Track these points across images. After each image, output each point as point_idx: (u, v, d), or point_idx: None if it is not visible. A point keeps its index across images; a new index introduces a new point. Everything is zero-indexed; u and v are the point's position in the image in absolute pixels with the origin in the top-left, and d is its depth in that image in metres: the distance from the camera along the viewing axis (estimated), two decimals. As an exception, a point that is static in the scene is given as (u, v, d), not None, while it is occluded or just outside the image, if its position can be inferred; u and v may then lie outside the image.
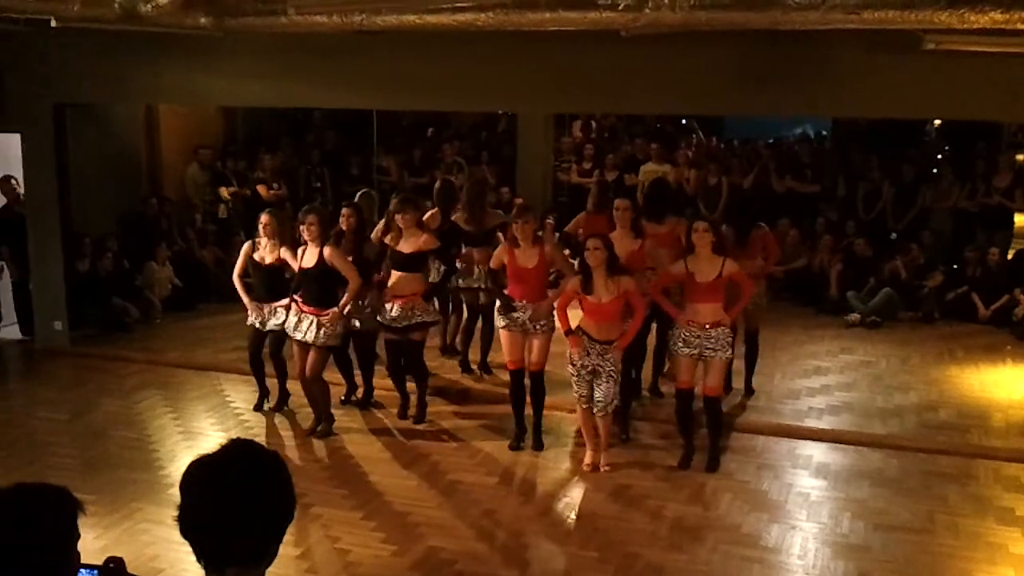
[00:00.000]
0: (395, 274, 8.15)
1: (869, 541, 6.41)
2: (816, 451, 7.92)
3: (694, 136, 16.46)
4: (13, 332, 11.23)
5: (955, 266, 12.45)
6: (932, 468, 7.59)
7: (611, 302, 7.08)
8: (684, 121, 16.84)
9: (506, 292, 7.73)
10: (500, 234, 8.87)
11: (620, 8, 6.50)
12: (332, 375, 8.45)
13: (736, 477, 7.41)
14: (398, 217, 8.12)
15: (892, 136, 14.42)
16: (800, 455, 7.84)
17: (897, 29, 6.59)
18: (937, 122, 15.49)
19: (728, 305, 7.30)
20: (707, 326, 7.19)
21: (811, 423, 8.49)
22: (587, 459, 7.51)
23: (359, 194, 9.60)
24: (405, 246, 8.12)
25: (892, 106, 8.41)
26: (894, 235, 13.19)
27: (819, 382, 9.56)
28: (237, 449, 2.24)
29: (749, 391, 9.02)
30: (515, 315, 7.64)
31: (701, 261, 7.22)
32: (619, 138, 16.31)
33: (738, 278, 7.29)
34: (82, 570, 2.49)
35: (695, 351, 7.26)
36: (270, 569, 2.23)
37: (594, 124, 16.47)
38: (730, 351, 7.41)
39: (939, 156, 15.18)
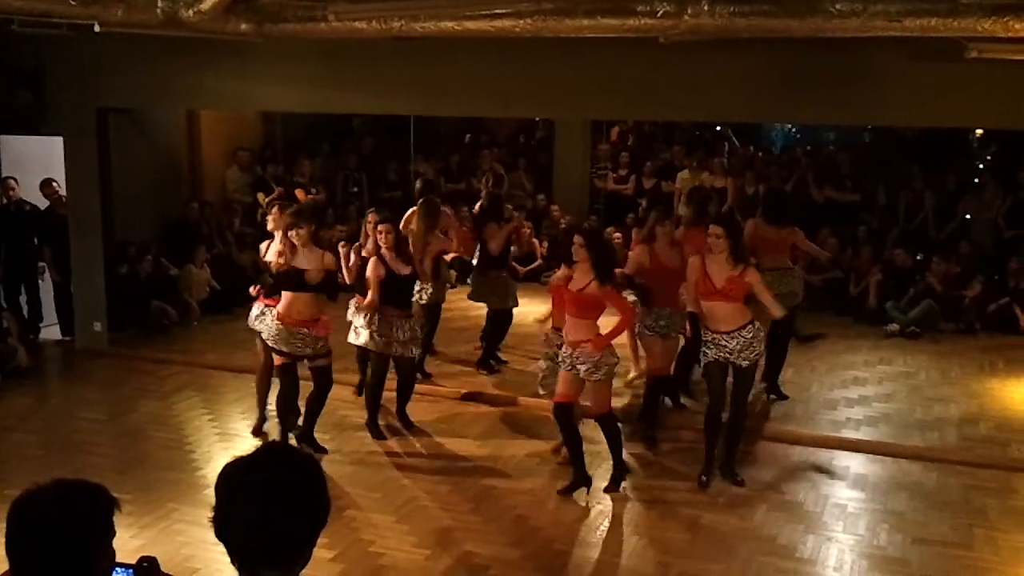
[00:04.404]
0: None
1: (907, 554, 6.33)
2: (853, 462, 7.84)
3: (727, 144, 16.38)
4: (54, 333, 11.37)
5: (996, 277, 12.30)
6: (972, 482, 7.49)
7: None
8: (719, 128, 16.75)
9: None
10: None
11: (659, 15, 6.46)
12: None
13: (772, 488, 7.34)
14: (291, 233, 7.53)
15: (935, 145, 14.27)
16: (837, 466, 7.77)
17: (940, 37, 6.52)
18: (979, 131, 15.31)
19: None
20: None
21: (848, 434, 8.41)
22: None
23: (421, 202, 9.31)
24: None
25: (934, 115, 8.33)
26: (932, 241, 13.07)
27: (857, 392, 9.47)
28: (272, 452, 2.26)
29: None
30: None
31: (576, 272, 7.05)
32: (656, 145, 16.26)
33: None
34: (117, 569, 2.51)
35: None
36: (304, 572, 2.23)
37: (631, 136, 16.44)
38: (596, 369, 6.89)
39: (981, 166, 15.00)
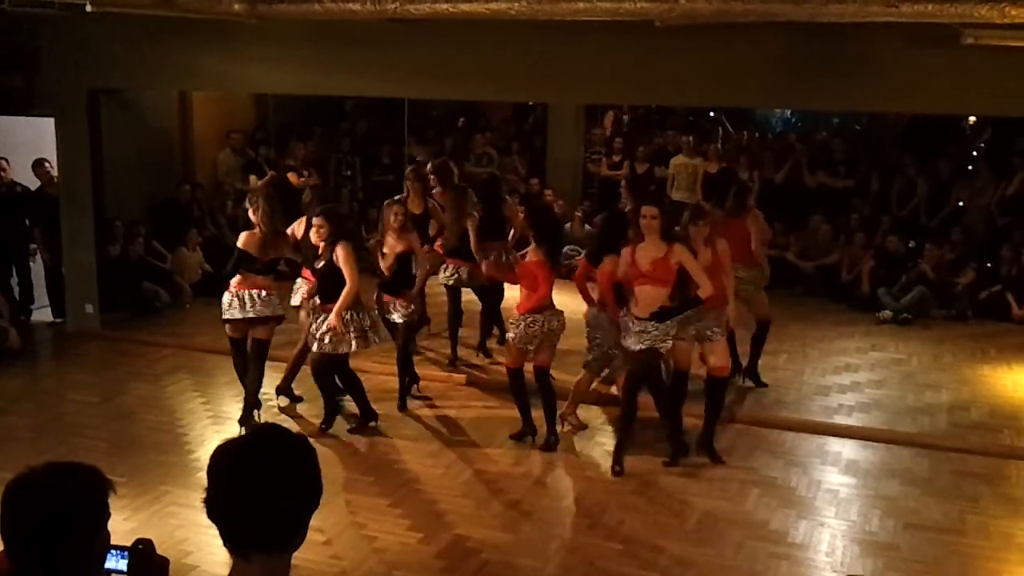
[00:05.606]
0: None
1: (898, 540, 6.35)
2: (845, 448, 7.85)
3: (720, 129, 16.34)
4: (45, 315, 11.32)
5: (988, 264, 12.31)
6: (963, 468, 7.51)
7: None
8: (712, 114, 16.70)
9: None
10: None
11: (655, -2, 6.44)
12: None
13: (764, 473, 7.36)
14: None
15: (929, 131, 14.26)
16: (829, 452, 7.78)
17: (935, 23, 6.50)
18: (972, 118, 15.29)
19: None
20: None
21: (840, 420, 8.42)
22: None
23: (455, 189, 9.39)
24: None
25: (929, 101, 8.31)
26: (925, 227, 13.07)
27: (849, 379, 9.48)
28: (265, 434, 2.24)
29: None
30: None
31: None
32: (650, 130, 16.21)
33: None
34: (112, 551, 2.51)
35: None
36: (296, 554, 2.22)
37: (625, 118, 16.39)
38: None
39: (975, 153, 14.99)
